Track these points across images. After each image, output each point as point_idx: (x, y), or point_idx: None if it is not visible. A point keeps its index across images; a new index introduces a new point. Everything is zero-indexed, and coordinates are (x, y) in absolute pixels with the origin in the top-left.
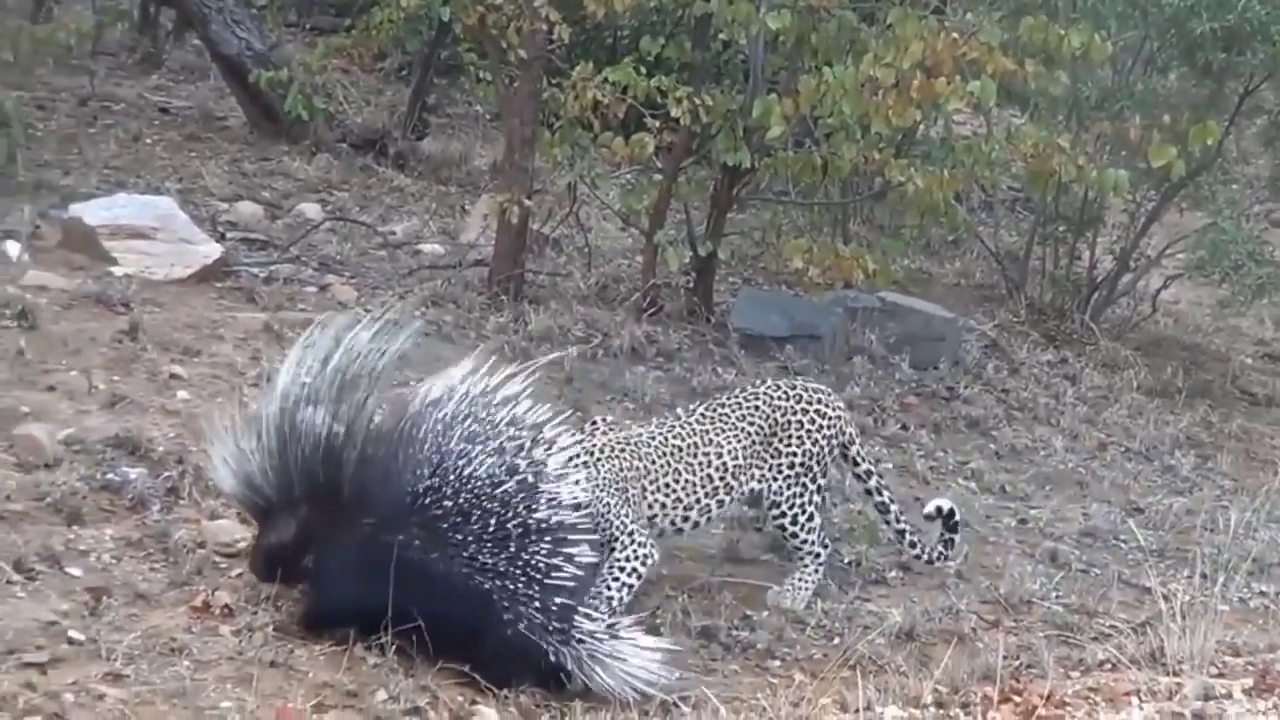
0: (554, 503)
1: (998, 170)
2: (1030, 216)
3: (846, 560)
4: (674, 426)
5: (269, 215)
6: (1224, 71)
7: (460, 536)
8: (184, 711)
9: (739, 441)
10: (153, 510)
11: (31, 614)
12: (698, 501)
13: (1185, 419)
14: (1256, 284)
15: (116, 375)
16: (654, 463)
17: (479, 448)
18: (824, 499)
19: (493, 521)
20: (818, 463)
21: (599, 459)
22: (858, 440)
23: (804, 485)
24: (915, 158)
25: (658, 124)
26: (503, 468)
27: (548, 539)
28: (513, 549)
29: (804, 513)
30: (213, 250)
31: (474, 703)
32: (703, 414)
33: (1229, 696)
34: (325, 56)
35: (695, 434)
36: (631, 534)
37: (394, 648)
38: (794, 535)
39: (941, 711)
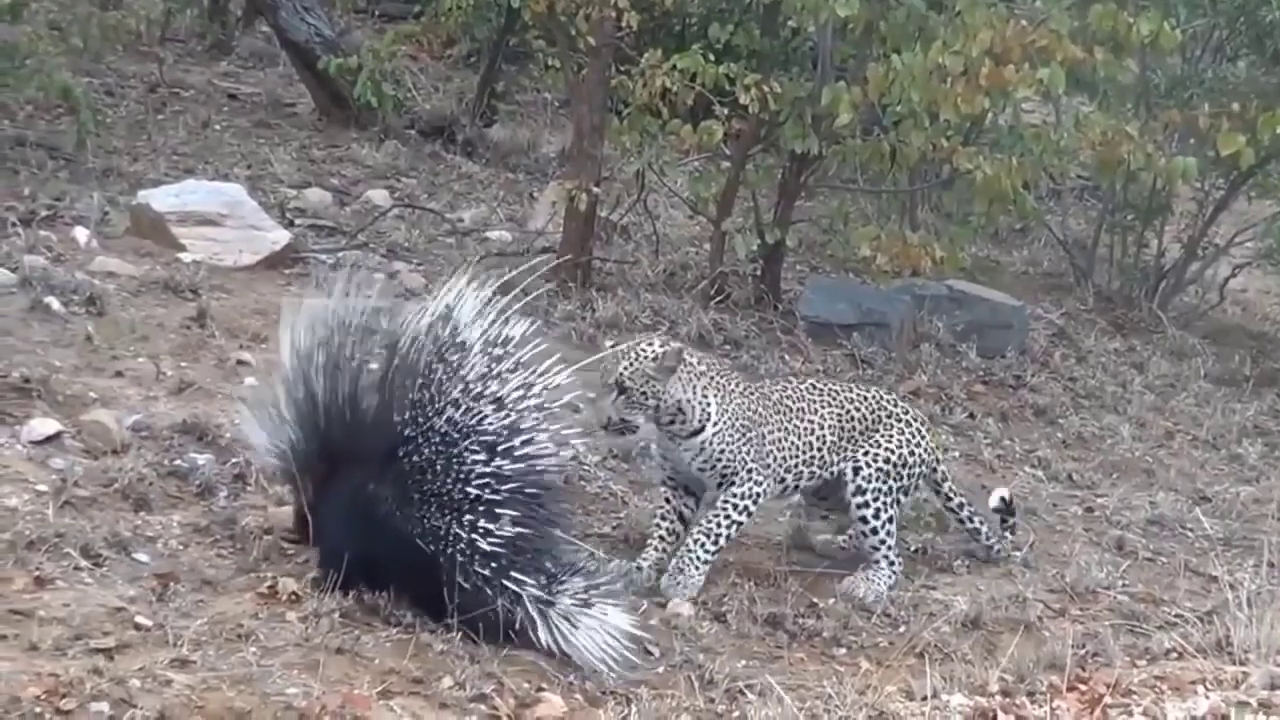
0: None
1: (1066, 158)
2: (1098, 205)
3: (913, 549)
4: (787, 388)
5: (337, 202)
6: None
7: (426, 490)
8: (250, 697)
9: (842, 421)
10: (220, 496)
11: (99, 600)
12: (795, 466)
13: (1253, 407)
14: None
15: (184, 361)
16: (770, 416)
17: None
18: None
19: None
20: (908, 472)
21: (732, 393)
22: (942, 468)
23: (891, 485)
24: (983, 145)
25: (726, 111)
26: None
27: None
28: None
29: (886, 510)
30: (281, 237)
31: (540, 690)
32: (814, 385)
33: None
34: (394, 43)
35: (805, 400)
36: (751, 471)
37: (459, 635)
38: (874, 531)
39: (1008, 700)
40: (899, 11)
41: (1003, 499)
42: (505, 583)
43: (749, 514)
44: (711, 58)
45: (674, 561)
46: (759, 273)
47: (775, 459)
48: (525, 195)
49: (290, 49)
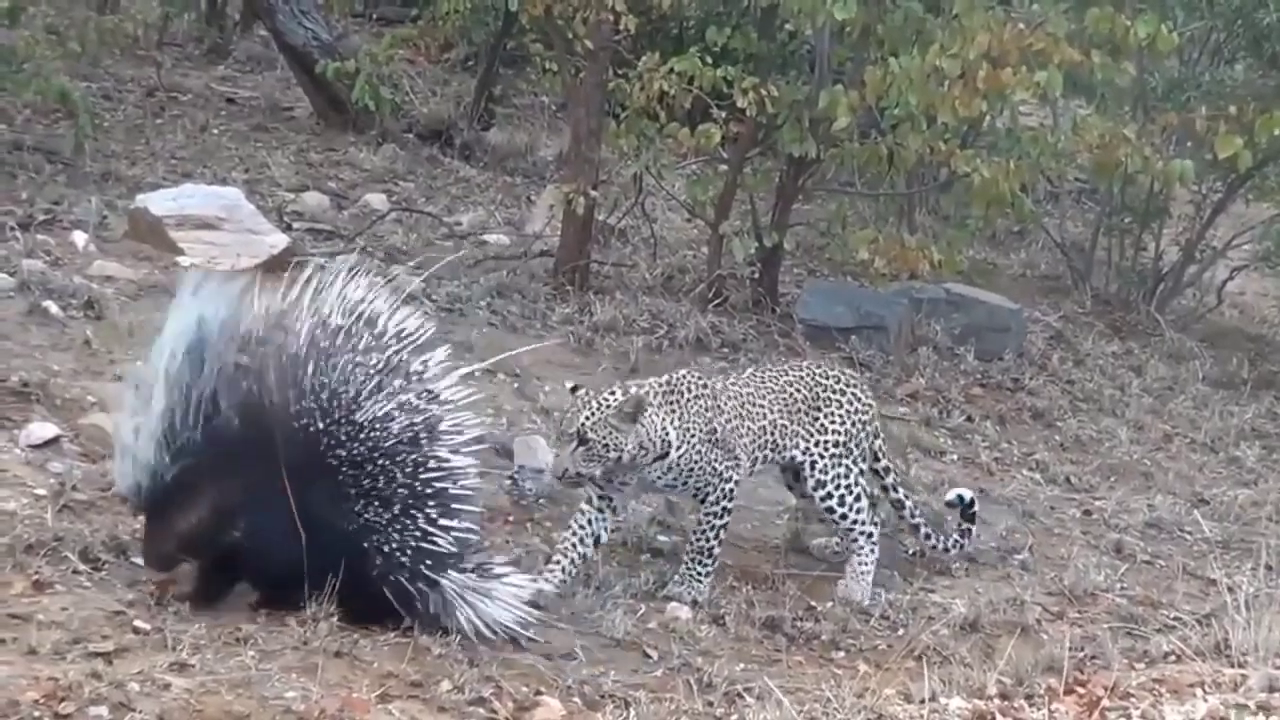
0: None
1: (1063, 161)
2: (1096, 207)
3: (910, 552)
4: (731, 383)
5: (335, 205)
6: None
7: (353, 490)
8: (249, 701)
9: (786, 404)
10: None
11: (98, 604)
12: (753, 452)
13: (1250, 410)
14: None
15: None
16: (726, 406)
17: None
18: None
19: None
20: (856, 444)
21: (687, 409)
22: (880, 435)
23: (846, 465)
24: (981, 148)
25: (723, 114)
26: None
27: (433, 503)
28: (397, 510)
29: (850, 491)
30: (279, 240)
31: (538, 693)
32: (753, 374)
33: None
34: (392, 47)
35: (749, 389)
36: (720, 474)
37: (458, 638)
38: (844, 517)
39: (1006, 703)
40: (896, 14)
41: (959, 497)
42: (430, 573)
43: (730, 513)
44: (709, 61)
45: (678, 578)
46: (757, 276)
47: (740, 446)
48: (523, 198)
49: (288, 53)
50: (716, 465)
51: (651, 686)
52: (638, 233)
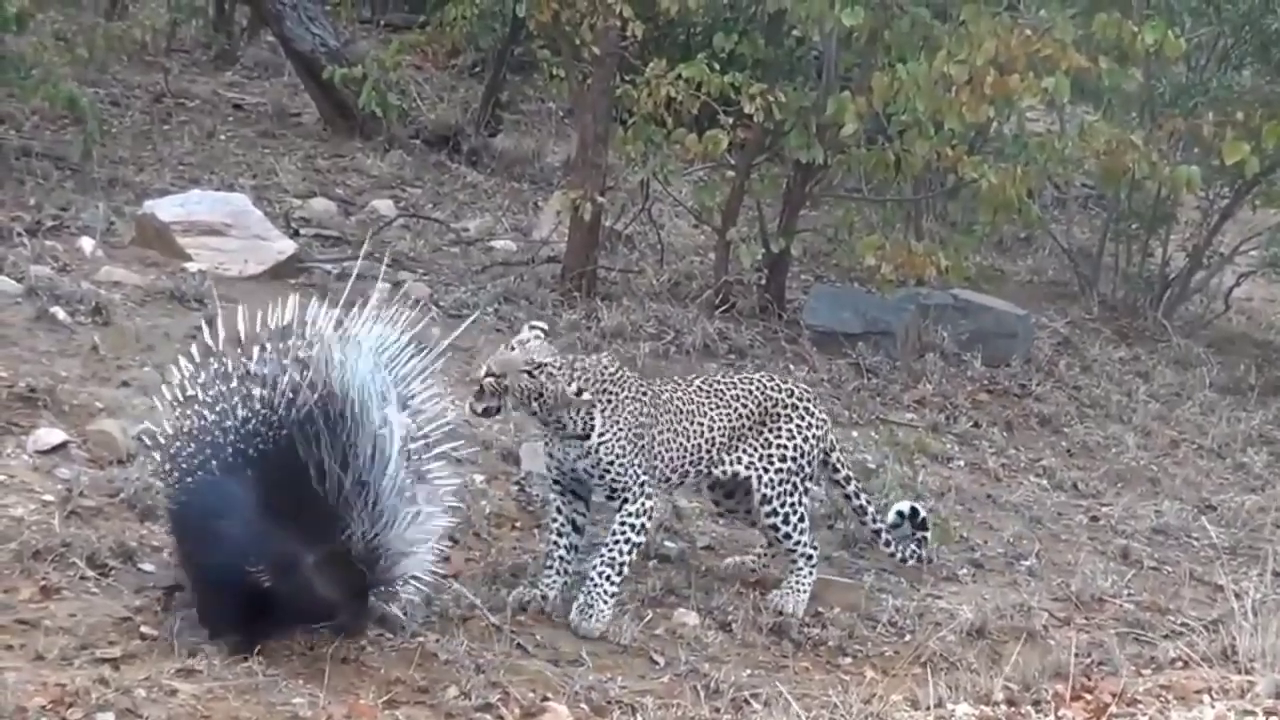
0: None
1: (1071, 167)
2: (1103, 213)
3: (914, 558)
4: (677, 389)
5: (342, 211)
6: None
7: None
8: (256, 707)
9: (730, 420)
10: None
11: (105, 610)
12: (682, 466)
13: (1258, 416)
14: None
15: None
16: (660, 417)
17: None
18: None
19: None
20: (806, 461)
21: (622, 395)
22: (837, 447)
23: (794, 483)
24: (988, 154)
25: (731, 121)
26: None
27: None
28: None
29: (795, 510)
30: (286, 247)
31: (545, 699)
32: (702, 385)
33: None
34: (399, 53)
35: (695, 401)
36: (644, 485)
37: (465, 644)
38: (787, 536)
39: (1013, 709)
40: (904, 21)
41: (900, 513)
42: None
43: (646, 531)
44: (716, 67)
45: (581, 597)
46: (764, 282)
47: (663, 460)
48: (530, 205)
49: (295, 59)
50: (638, 473)
51: (658, 692)
52: (645, 239)
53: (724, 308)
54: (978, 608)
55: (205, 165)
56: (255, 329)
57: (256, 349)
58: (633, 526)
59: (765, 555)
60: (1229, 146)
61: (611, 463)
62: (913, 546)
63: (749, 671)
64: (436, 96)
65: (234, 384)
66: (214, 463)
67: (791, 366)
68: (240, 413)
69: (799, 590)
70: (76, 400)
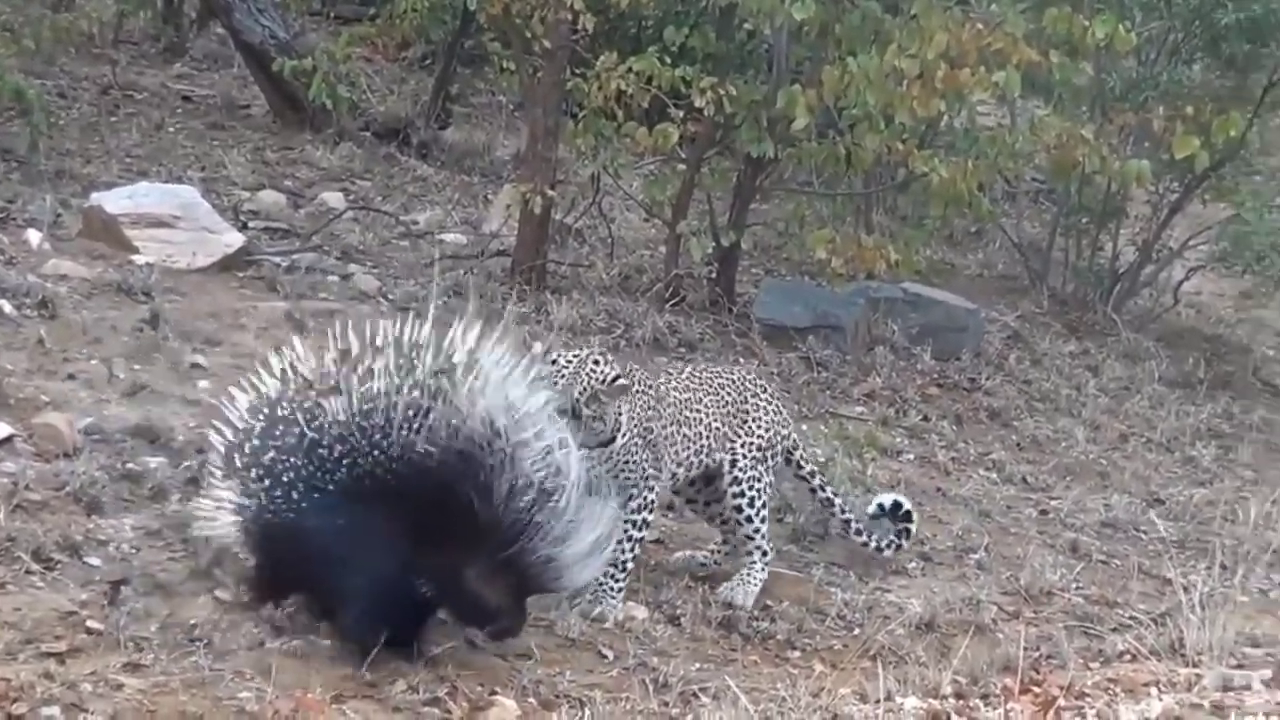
0: None
1: (1021, 161)
2: (1053, 207)
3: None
4: (671, 379)
5: (291, 204)
6: (1248, 63)
7: None
8: (203, 701)
9: (720, 407)
10: (172, 500)
11: (50, 604)
12: (686, 458)
13: (1206, 410)
14: (1279, 275)
15: (137, 364)
16: (663, 410)
17: None
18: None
19: None
20: (773, 453)
21: (635, 392)
22: (800, 445)
23: (762, 471)
24: (939, 148)
25: (681, 114)
26: None
27: None
28: None
29: (760, 497)
30: (235, 239)
31: (493, 693)
32: (693, 372)
33: (1248, 688)
34: (349, 45)
35: (689, 391)
36: (648, 479)
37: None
38: (749, 520)
39: (961, 702)
40: (855, 14)
41: (880, 505)
42: None
43: (648, 526)
44: (667, 60)
45: (590, 594)
46: (714, 275)
47: (668, 455)
48: (480, 198)
49: (244, 51)
50: (645, 468)
51: (607, 686)
52: (595, 232)
53: (674, 301)
54: (926, 601)
55: (153, 157)
56: (409, 340)
57: (410, 362)
58: (635, 523)
59: (717, 551)
60: (1179, 141)
61: (626, 462)
62: (891, 538)
63: (698, 665)
64: (386, 89)
65: (391, 395)
66: (364, 477)
67: (741, 360)
68: (389, 424)
69: (749, 583)
70: (22, 394)
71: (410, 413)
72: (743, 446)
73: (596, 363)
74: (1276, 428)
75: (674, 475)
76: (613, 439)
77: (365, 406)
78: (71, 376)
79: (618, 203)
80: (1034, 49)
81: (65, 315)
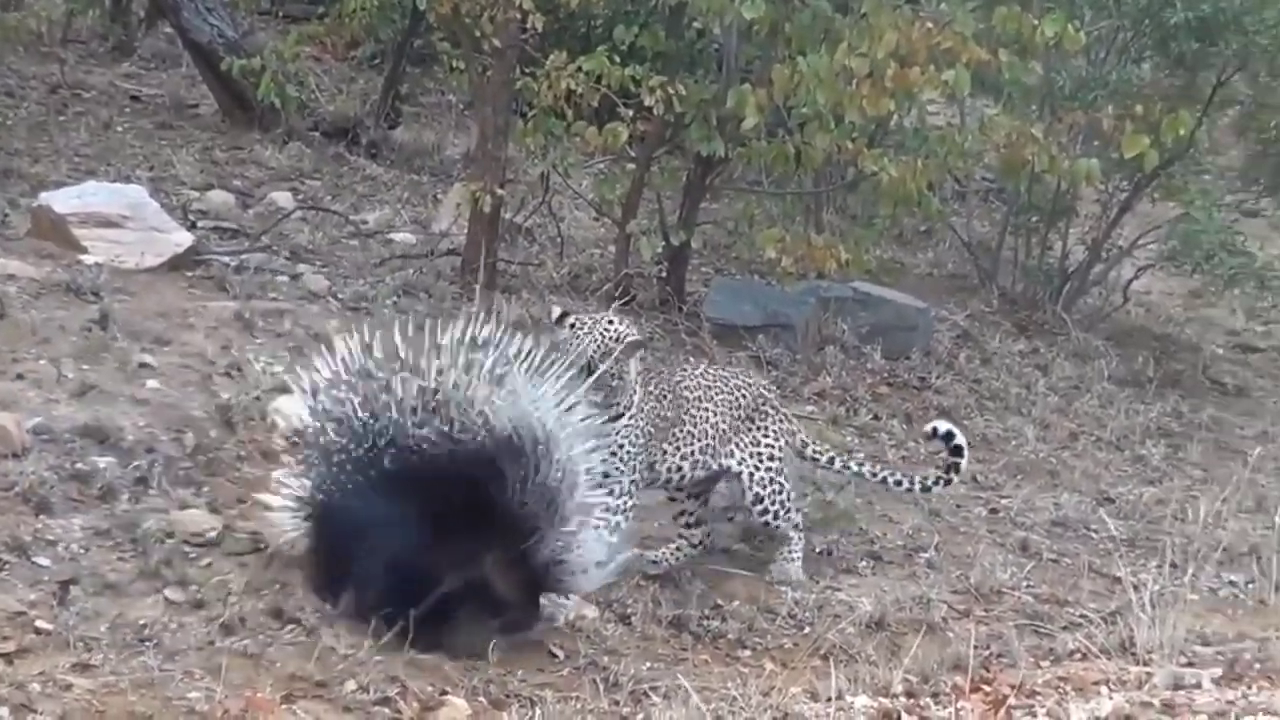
0: None
1: (971, 160)
2: (1003, 206)
3: (817, 549)
4: (684, 377)
5: (240, 204)
6: (1197, 62)
7: None
8: (152, 701)
9: (731, 410)
10: (122, 500)
11: None
12: (689, 456)
13: (1156, 409)
14: (1228, 274)
15: (86, 364)
16: (669, 408)
17: None
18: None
19: None
20: (784, 455)
21: (651, 376)
22: (809, 442)
23: (780, 480)
24: (888, 147)
25: (631, 113)
26: None
27: None
28: None
29: (785, 502)
30: (183, 239)
31: (444, 693)
32: (706, 371)
33: (1198, 686)
34: (298, 44)
35: (700, 389)
36: (633, 484)
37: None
38: (776, 515)
39: (912, 700)
40: (804, 14)
41: (934, 429)
42: None
43: (628, 519)
44: (617, 60)
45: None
46: (664, 274)
47: (671, 448)
48: (429, 197)
49: (193, 50)
50: (637, 463)
51: (558, 686)
52: (545, 231)
53: (624, 300)
54: (877, 600)
55: (102, 157)
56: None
57: (439, 359)
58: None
59: (672, 553)
60: (1128, 140)
61: (622, 446)
62: (938, 473)
63: (648, 664)
64: (335, 88)
65: (418, 389)
66: (391, 463)
67: (692, 359)
68: (420, 416)
69: (793, 559)
70: None
71: (451, 404)
72: (754, 458)
73: (611, 322)
74: (1225, 426)
75: (679, 470)
76: (621, 415)
77: (413, 401)
78: (20, 376)
79: (567, 202)
80: (983, 48)
81: (14, 315)
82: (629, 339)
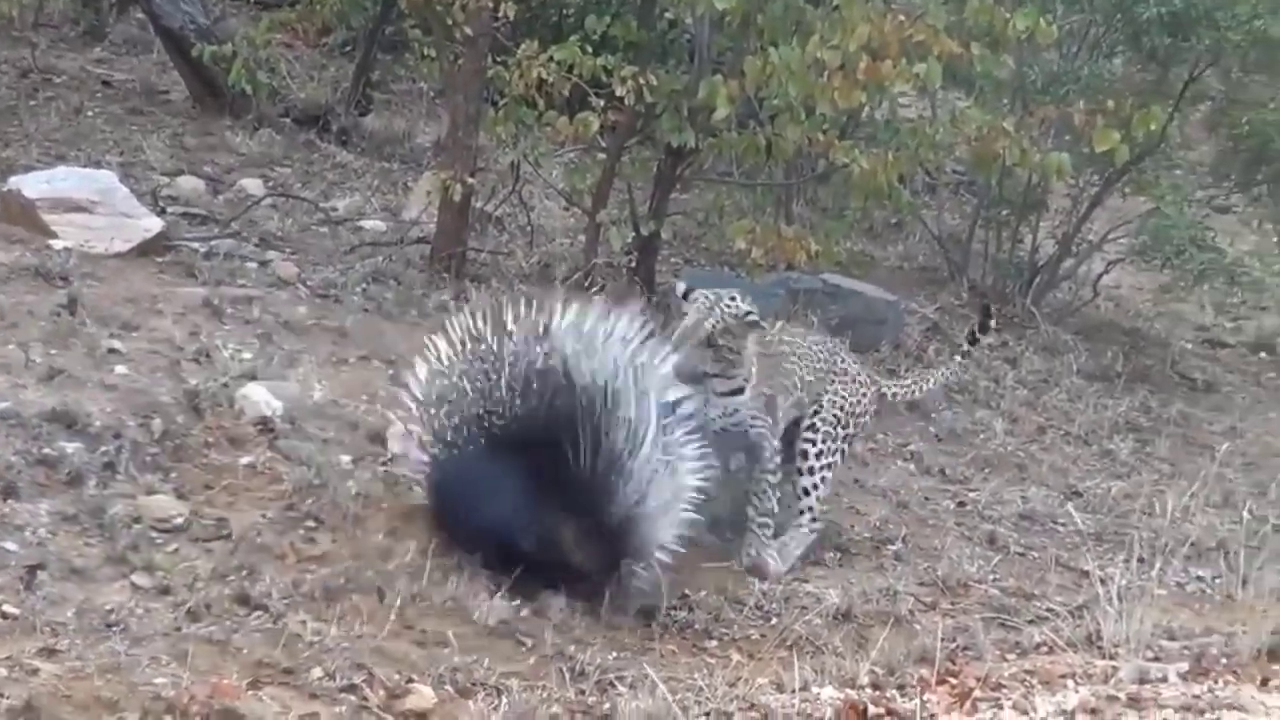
0: None
1: (942, 153)
2: (973, 200)
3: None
4: (769, 336)
5: (210, 190)
6: (1169, 57)
7: None
8: (118, 687)
9: (813, 365)
10: (89, 485)
11: None
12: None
13: (1124, 403)
14: (1198, 269)
15: (54, 349)
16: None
17: None
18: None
19: None
20: (855, 422)
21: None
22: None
23: (838, 436)
24: (860, 140)
25: (602, 103)
26: None
27: None
28: None
29: (827, 459)
30: (153, 224)
31: (410, 681)
32: (787, 328)
33: (1165, 680)
34: (269, 31)
35: (785, 345)
36: (770, 439)
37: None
38: (811, 471)
39: (878, 693)
40: (777, 5)
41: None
42: None
43: (778, 472)
44: (588, 49)
45: (747, 546)
46: (633, 265)
47: (776, 403)
48: (400, 185)
49: (164, 36)
50: (767, 419)
51: (524, 674)
52: (515, 220)
53: (593, 290)
54: (844, 592)
55: (72, 142)
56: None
57: (516, 333)
58: (771, 471)
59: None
60: (1099, 134)
61: (754, 414)
62: (971, 334)
63: (615, 654)
64: (307, 75)
65: (497, 363)
66: (477, 434)
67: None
68: (502, 391)
69: (790, 544)
70: None
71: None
72: (817, 416)
73: (733, 299)
74: (1194, 421)
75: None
76: (742, 389)
77: (511, 368)
78: None
79: (538, 191)
80: (955, 41)
81: None
82: (749, 317)
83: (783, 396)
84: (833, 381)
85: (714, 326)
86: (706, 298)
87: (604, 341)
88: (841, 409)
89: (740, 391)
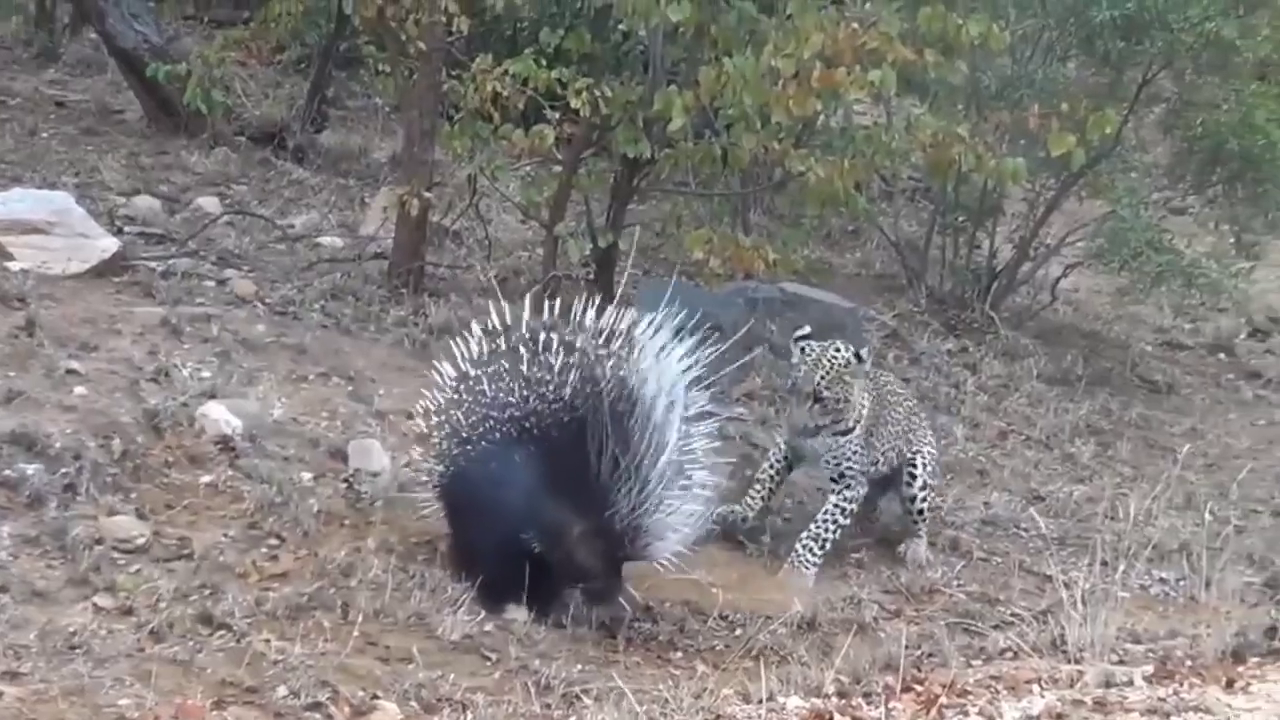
0: None
1: (898, 160)
2: (930, 206)
3: (748, 551)
4: (876, 381)
5: (167, 209)
6: (1122, 60)
7: None
8: (82, 709)
9: (906, 415)
10: (50, 507)
11: None
12: (884, 453)
13: (1085, 407)
14: (1156, 272)
15: (12, 371)
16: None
17: None
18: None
19: None
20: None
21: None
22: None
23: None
24: (815, 148)
25: (558, 116)
26: None
27: None
28: None
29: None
30: (110, 244)
31: (375, 697)
32: (884, 377)
33: (1130, 684)
34: (223, 49)
35: (887, 392)
36: (858, 476)
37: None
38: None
39: (844, 701)
40: (730, 15)
41: None
42: None
43: (851, 516)
44: (543, 62)
45: (787, 564)
46: (592, 277)
47: (878, 449)
48: (357, 201)
49: (118, 56)
50: (863, 464)
51: (489, 689)
52: (472, 234)
53: (552, 303)
54: (808, 601)
55: (27, 163)
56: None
57: (544, 337)
58: (843, 510)
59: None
60: (1054, 138)
61: (855, 452)
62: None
63: (580, 667)
64: (262, 93)
65: (519, 365)
66: (495, 434)
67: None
68: (521, 393)
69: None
70: None
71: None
72: (923, 455)
73: (838, 349)
74: (1154, 424)
75: (875, 465)
76: (852, 428)
77: (536, 374)
78: None
79: (495, 205)
80: (909, 48)
81: None
82: (856, 363)
83: (885, 439)
84: (915, 430)
85: (822, 379)
86: (812, 349)
87: (665, 358)
88: (931, 455)
89: (850, 431)
